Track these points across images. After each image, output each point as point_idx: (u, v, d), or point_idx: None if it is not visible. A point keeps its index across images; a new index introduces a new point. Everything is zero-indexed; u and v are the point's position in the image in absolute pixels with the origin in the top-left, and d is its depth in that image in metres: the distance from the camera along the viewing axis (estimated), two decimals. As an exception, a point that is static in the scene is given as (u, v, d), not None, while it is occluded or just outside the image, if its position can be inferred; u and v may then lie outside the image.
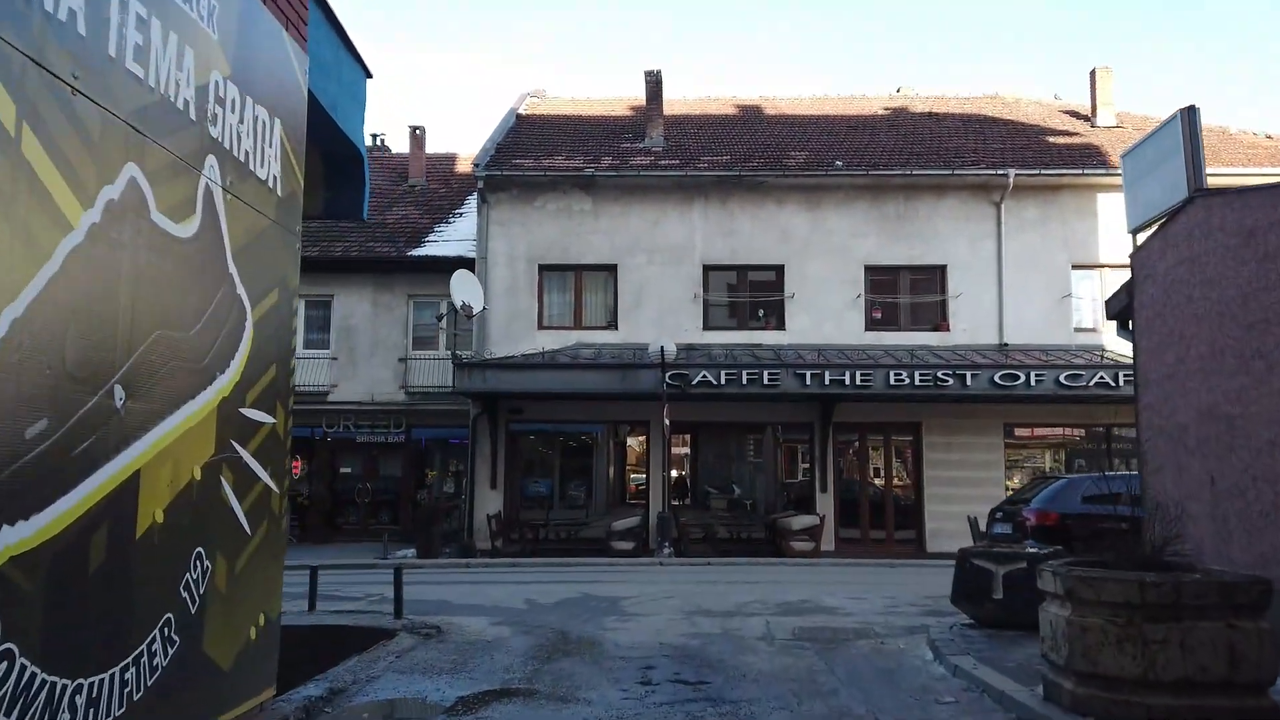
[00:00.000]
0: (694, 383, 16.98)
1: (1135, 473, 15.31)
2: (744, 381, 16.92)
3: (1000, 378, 16.79)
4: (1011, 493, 12.92)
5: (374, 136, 29.03)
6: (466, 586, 12.46)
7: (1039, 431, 20.80)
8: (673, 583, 12.90)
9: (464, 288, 17.56)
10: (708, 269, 19.62)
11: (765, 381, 16.91)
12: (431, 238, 22.88)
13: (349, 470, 22.38)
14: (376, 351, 21.95)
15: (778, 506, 22.95)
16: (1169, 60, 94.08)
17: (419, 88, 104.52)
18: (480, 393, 17.67)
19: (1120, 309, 7.96)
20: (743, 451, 34.87)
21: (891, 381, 16.82)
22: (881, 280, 19.57)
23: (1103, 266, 19.26)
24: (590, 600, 10.81)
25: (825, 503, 18.72)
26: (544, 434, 22.50)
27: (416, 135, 26.29)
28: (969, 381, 16.82)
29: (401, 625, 7.53)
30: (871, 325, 19.31)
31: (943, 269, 19.41)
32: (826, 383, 16.86)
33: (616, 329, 19.29)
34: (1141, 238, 7.93)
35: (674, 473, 33.78)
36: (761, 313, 19.67)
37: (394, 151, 28.48)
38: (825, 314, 19.18)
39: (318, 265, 21.92)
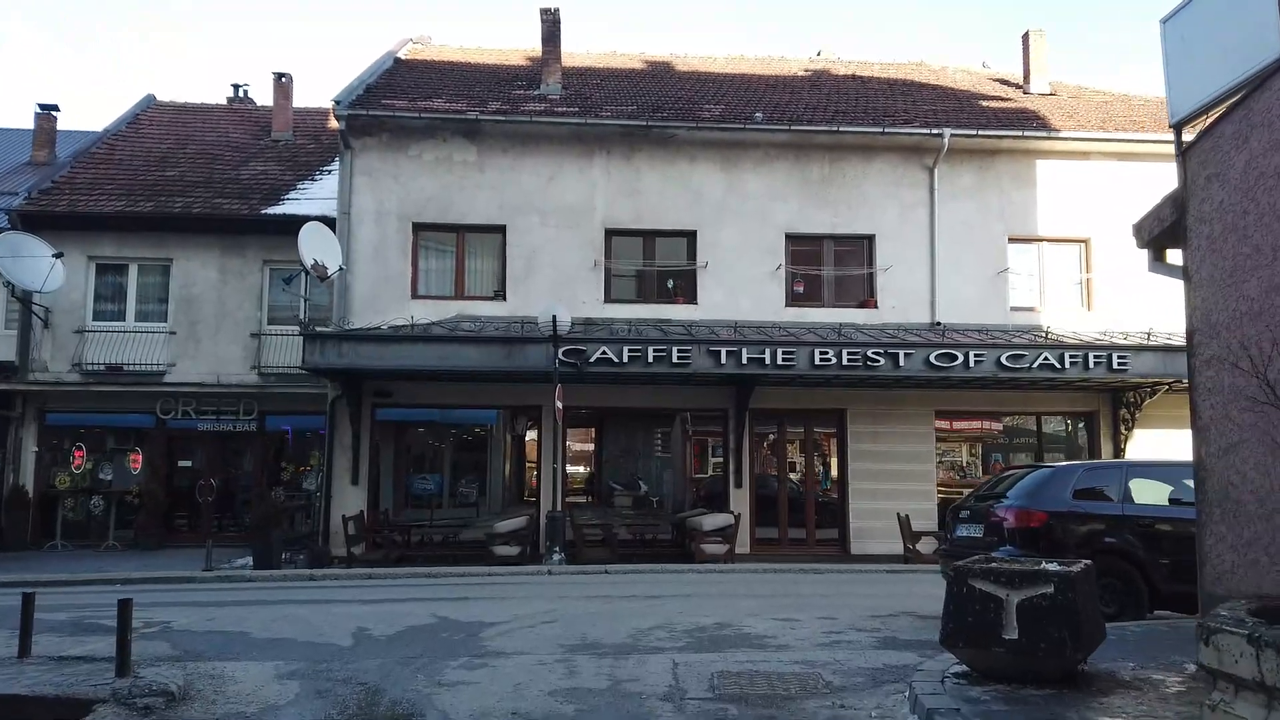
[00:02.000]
0: (592, 360, 14.50)
1: (1124, 460, 13.67)
2: (650, 359, 14.53)
3: (936, 358, 14.85)
4: (979, 486, 10.82)
5: (236, 87, 25.57)
6: (292, 608, 9.69)
7: (957, 425, 19.13)
8: (558, 598, 10.40)
9: (316, 244, 14.65)
10: (610, 233, 17.16)
11: (674, 360, 14.55)
12: (293, 195, 19.74)
13: (190, 464, 19.06)
14: (224, 326, 18.73)
15: (687, 504, 20.80)
16: (1101, 25, 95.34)
17: (291, 37, 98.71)
18: (336, 370, 14.77)
19: (1161, 231, 5.83)
20: (650, 444, 32.71)
21: (816, 361, 14.69)
22: (804, 250, 17.47)
23: (1042, 240, 17.62)
24: (443, 629, 8.22)
25: (740, 500, 16.51)
26: (433, 424, 19.82)
27: (282, 84, 23.01)
28: (902, 361, 14.83)
29: (113, 692, 4.84)
30: (793, 300, 17.18)
31: (870, 239, 17.44)
32: (744, 361, 14.61)
33: (505, 300, 16.65)
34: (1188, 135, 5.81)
35: (577, 468, 31.52)
36: (671, 284, 17.33)
37: (258, 104, 25.08)
38: (742, 287, 16.96)
39: (151, 223, 18.66)
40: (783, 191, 17.34)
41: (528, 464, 37.58)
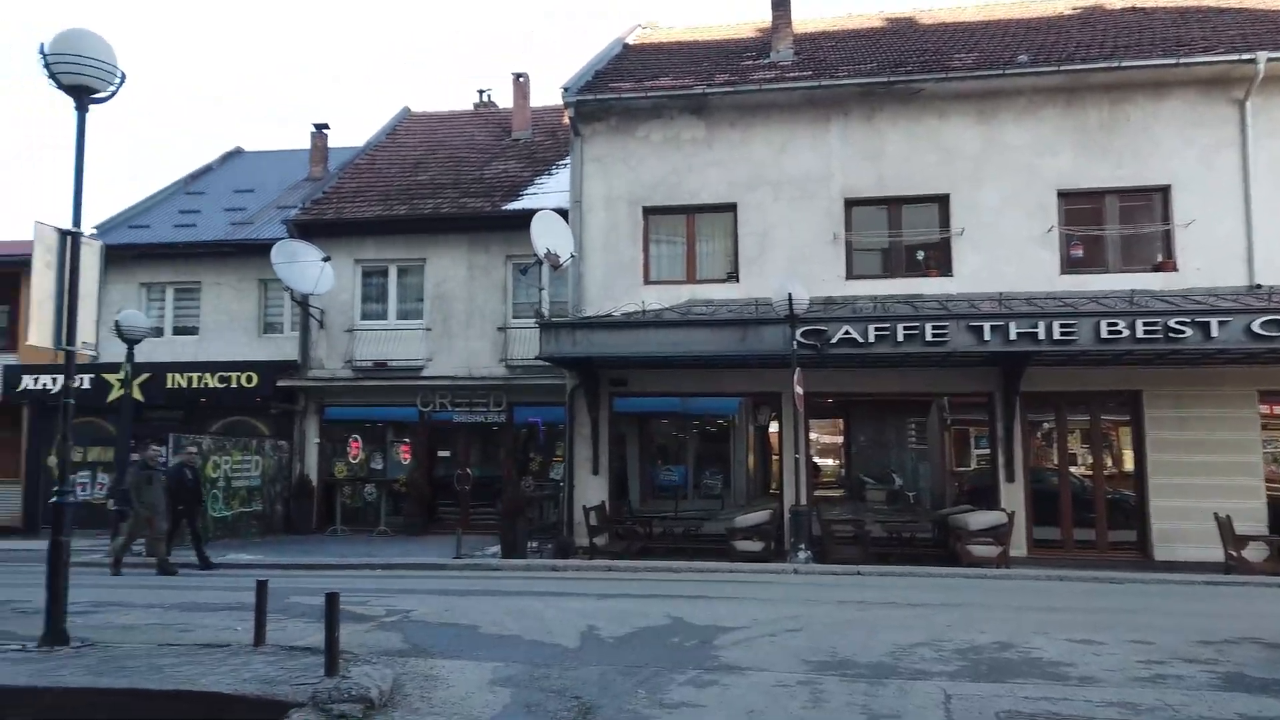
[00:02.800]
0: (833, 341, 13.29)
1: None
2: (899, 338, 13.08)
3: (1262, 325, 12.20)
4: None
5: (480, 92, 26.64)
6: (528, 601, 9.41)
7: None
8: (804, 601, 9.40)
9: (548, 233, 14.56)
10: (850, 204, 15.80)
11: (928, 338, 13.00)
12: (531, 190, 20.07)
13: (448, 454, 19.90)
14: (473, 321, 19.36)
15: (948, 501, 18.99)
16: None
17: (531, 37, 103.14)
18: (570, 359, 14.60)
19: None
20: (903, 435, 30.61)
21: (1103, 334, 12.54)
22: (1081, 209, 15.16)
23: (1400, 174, 14.14)
24: (675, 633, 7.50)
25: (1012, 496, 14.60)
26: (672, 414, 19.52)
27: (520, 84, 23.61)
28: (1215, 331, 12.31)
29: (312, 695, 4.50)
30: (1070, 266, 14.95)
31: (1164, 191, 14.80)
32: (1012, 337, 12.77)
33: (738, 281, 15.80)
34: None
35: (827, 461, 30.10)
36: (921, 255, 15.67)
37: (500, 107, 25.96)
38: (1005, 254, 14.99)
39: (406, 225, 19.64)
40: (1052, 143, 15.13)
41: (772, 456, 36.38)
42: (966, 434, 24.70)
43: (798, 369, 13.19)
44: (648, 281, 16.15)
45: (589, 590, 10.39)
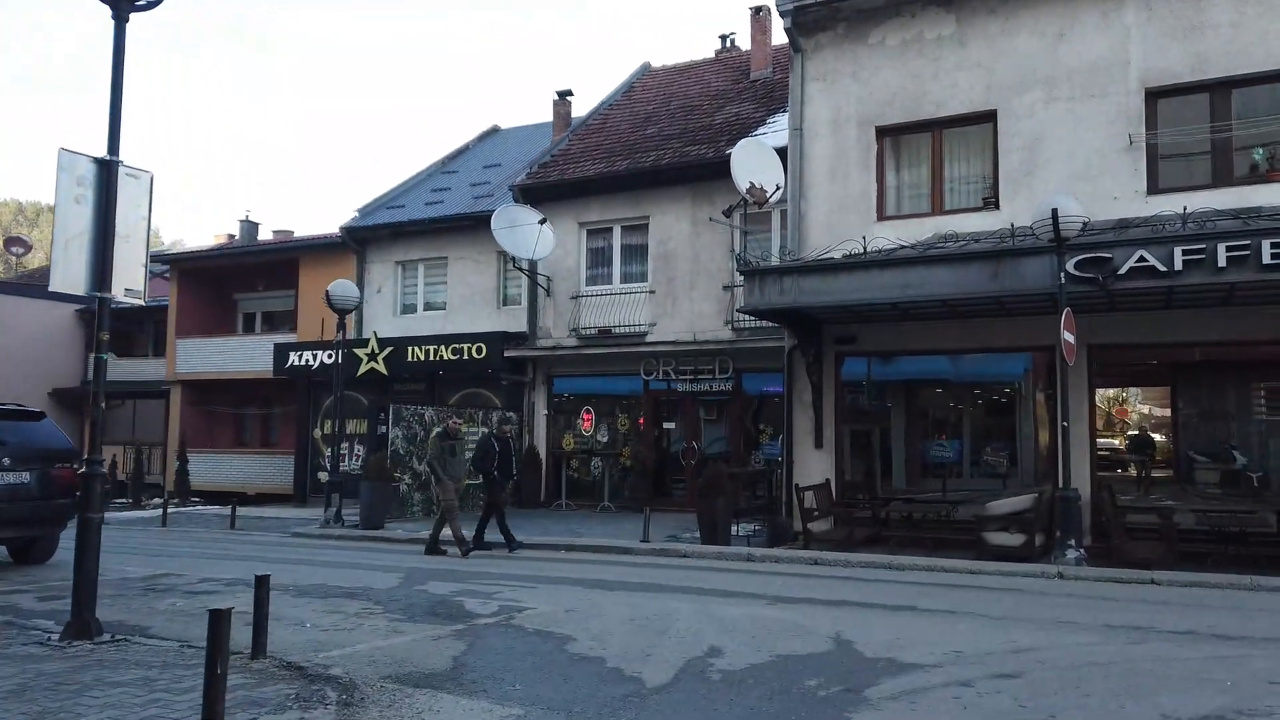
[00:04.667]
0: (1122, 271, 9.95)
1: None
2: (1220, 262, 9.48)
3: None
4: None
5: (722, 38, 24.75)
6: (676, 602, 7.61)
7: None
8: (1052, 625, 6.70)
9: (752, 164, 12.51)
10: (1153, 95, 12.02)
11: (1267, 259, 9.29)
12: (761, 130, 17.91)
13: (672, 425, 18.46)
14: (698, 280, 17.70)
15: (1310, 483, 14.58)
16: None
17: None
18: (779, 310, 12.39)
19: None
20: (1247, 401, 24.67)
21: None
22: None
23: None
24: (824, 669, 5.34)
25: None
26: (946, 382, 16.84)
27: (759, 19, 21.45)
28: None
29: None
30: None
31: None
32: None
33: (997, 209, 12.66)
34: None
35: (1156, 435, 24.97)
36: (1260, 154, 11.56)
37: (743, 50, 23.92)
38: (1398, 140, 10.55)
39: (628, 181, 18.38)
40: None
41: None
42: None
43: (1066, 310, 10.03)
44: (882, 217, 13.46)
45: (766, 590, 8.34)
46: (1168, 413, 23.29)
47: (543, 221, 17.55)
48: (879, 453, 18.33)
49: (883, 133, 13.62)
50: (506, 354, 18.82)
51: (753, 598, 7.84)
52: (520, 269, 18.88)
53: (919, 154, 13.57)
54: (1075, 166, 12.19)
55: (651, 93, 22.97)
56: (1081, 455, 11.80)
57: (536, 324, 19.15)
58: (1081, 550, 9.71)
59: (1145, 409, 36.83)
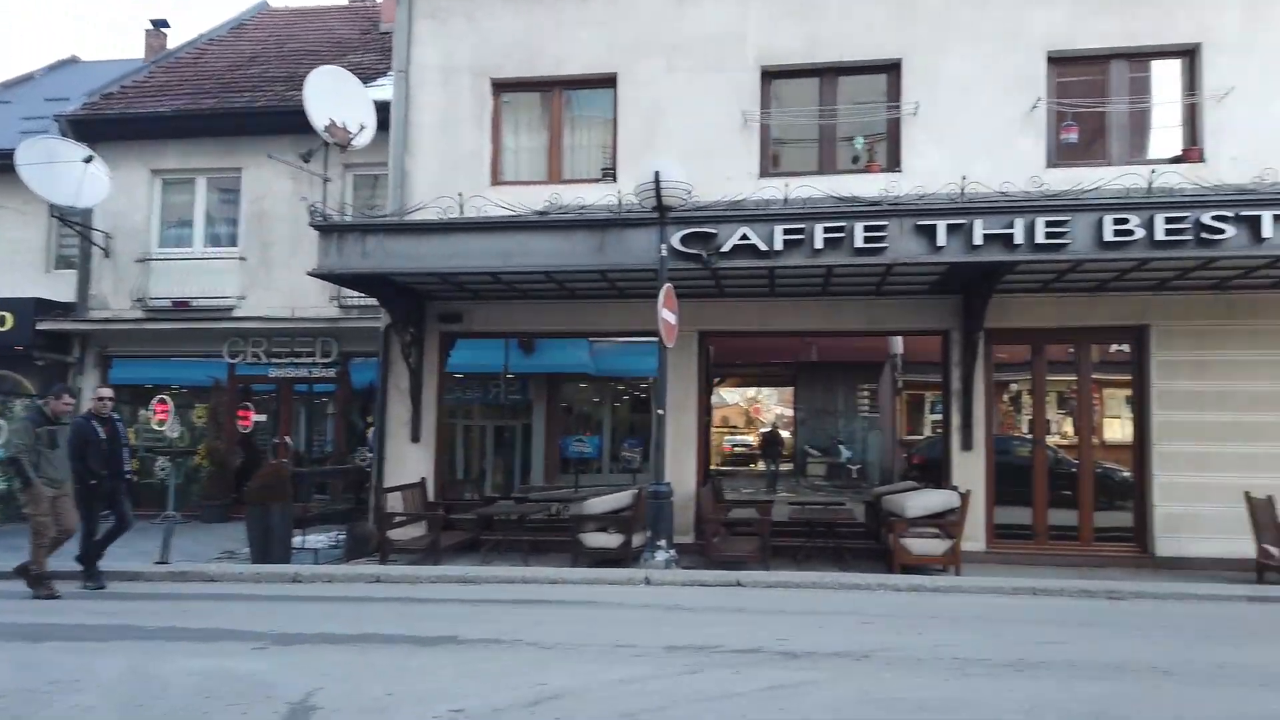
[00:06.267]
0: (726, 249, 9.23)
1: None
2: (817, 243, 9.04)
3: (1337, 222, 8.28)
4: None
5: (360, -13, 22.11)
6: (128, 654, 5.37)
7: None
8: (606, 655, 5.48)
9: (333, 96, 10.39)
10: (769, 75, 11.68)
11: (859, 243, 8.98)
12: (382, 81, 15.70)
13: (263, 418, 15.66)
14: (301, 247, 15.05)
15: (895, 476, 15.33)
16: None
17: None
18: (363, 276, 10.38)
19: None
20: (853, 399, 26.71)
21: (1109, 236, 8.56)
22: (1075, 80, 11.13)
23: None
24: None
25: (969, 468, 10.69)
26: (588, 375, 16.02)
27: (392, -34, 19.15)
28: (1267, 230, 8.39)
29: None
30: (1061, 157, 10.95)
31: (1191, 53, 10.81)
32: (976, 241, 8.77)
33: (615, 180, 11.66)
34: None
35: (776, 431, 26.19)
36: (860, 143, 11.60)
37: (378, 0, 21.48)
38: (975, 142, 10.94)
39: (217, 125, 15.35)
40: (1040, -11, 11.08)
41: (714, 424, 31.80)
42: (922, 398, 20.82)
43: (666, 286, 9.12)
44: (498, 181, 11.98)
45: (272, 626, 6.33)
46: (793, 411, 24.34)
47: (89, 159, 13.99)
48: (519, 449, 17.10)
49: (500, 87, 12.15)
50: (40, 327, 14.88)
51: (241, 640, 5.81)
52: (67, 222, 15.05)
53: (539, 115, 12.26)
54: (694, 142, 11.51)
55: (265, 33, 19.82)
56: (687, 448, 11.11)
57: (88, 291, 15.40)
58: (673, 551, 8.80)
59: (780, 409, 39.28)
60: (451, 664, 5.23)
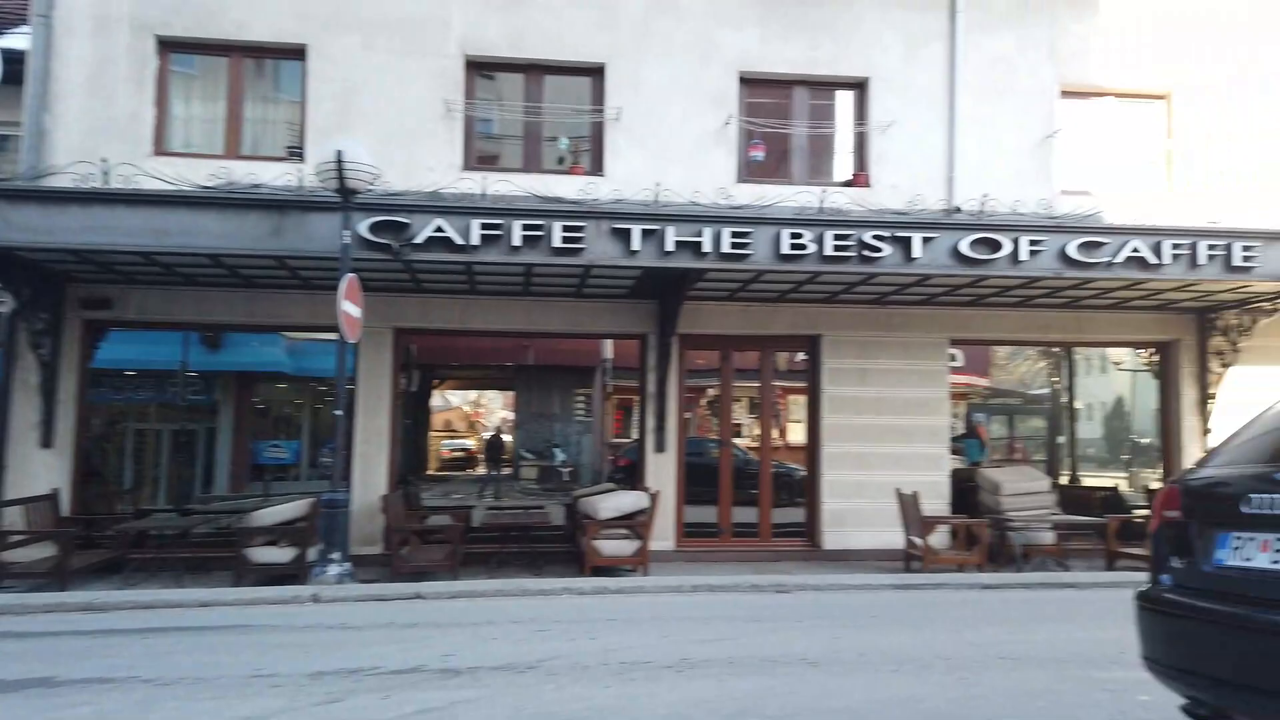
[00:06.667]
0: (419, 240, 8.70)
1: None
2: (515, 240, 8.78)
3: (971, 245, 9.35)
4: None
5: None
6: None
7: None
8: (260, 691, 4.75)
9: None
10: (474, 66, 11.30)
11: (557, 243, 8.82)
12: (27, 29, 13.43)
13: None
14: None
15: (605, 477, 15.50)
16: None
17: None
18: (-26, 250, 8.70)
19: None
20: (570, 403, 27.02)
21: (785, 249, 9.08)
22: (765, 102, 11.81)
23: (1106, 94, 12.18)
24: None
25: (662, 470, 10.95)
26: (286, 375, 14.77)
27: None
28: (917, 251, 9.29)
29: None
30: (750, 173, 11.55)
31: (862, 86, 11.85)
32: (668, 247, 8.95)
33: (303, 161, 10.69)
34: None
35: (499, 436, 25.80)
36: (565, 144, 11.55)
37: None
38: (672, 151, 11.26)
39: None
40: (735, 12, 11.62)
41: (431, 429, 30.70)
42: (631, 401, 21.40)
43: (349, 276, 8.45)
44: (162, 151, 10.57)
45: None
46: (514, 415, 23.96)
47: None
48: (203, 454, 15.36)
49: (167, 46, 10.75)
50: None
51: None
52: None
53: (216, 82, 10.99)
54: (392, 128, 10.86)
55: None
56: (378, 453, 10.43)
57: None
58: (348, 565, 8.13)
59: (506, 413, 38.70)
60: (32, 714, 4.32)
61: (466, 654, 5.51)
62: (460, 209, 8.90)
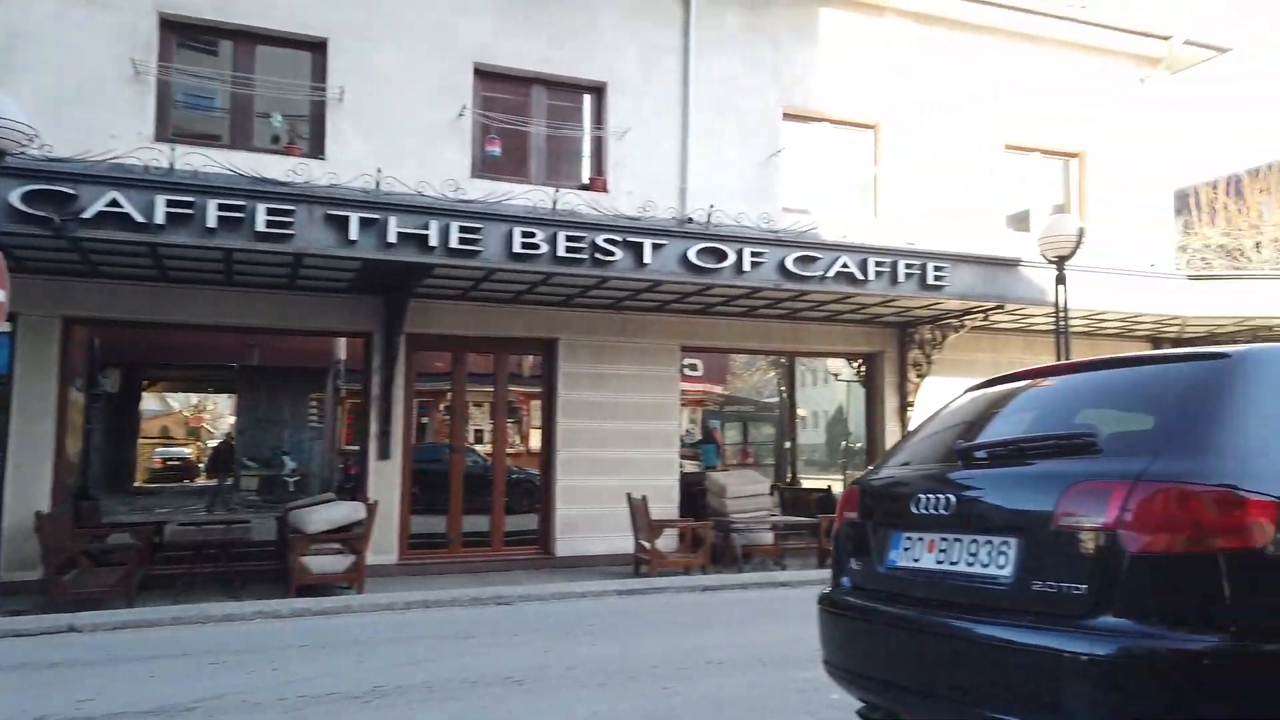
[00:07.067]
0: (89, 215, 7.47)
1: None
2: (211, 223, 7.77)
3: (698, 254, 9.52)
4: (971, 438, 4.42)
5: None
6: None
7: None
8: None
9: None
10: (169, 24, 10.04)
11: (261, 226, 7.92)
12: None
13: None
14: None
15: (334, 486, 14.59)
16: None
17: None
18: None
19: None
20: (303, 408, 25.17)
21: (517, 247, 8.74)
22: (502, 97, 11.46)
23: (824, 120, 12.97)
24: None
25: (386, 478, 10.23)
26: None
27: None
28: (648, 257, 9.31)
29: None
30: (485, 169, 11.12)
31: (600, 91, 11.82)
32: (391, 239, 8.32)
33: (-54, 116, 8.93)
34: None
35: (230, 443, 23.41)
36: (280, 122, 10.54)
37: None
38: (402, 140, 10.60)
39: None
40: (473, 2, 11.19)
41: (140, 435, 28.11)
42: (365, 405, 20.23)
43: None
44: None
45: None
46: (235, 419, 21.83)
47: None
48: None
49: None
50: None
51: None
52: None
53: None
54: (67, 86, 9.39)
55: None
56: (40, 462, 8.92)
57: None
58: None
59: (233, 418, 35.28)
60: None
61: (111, 698, 4.65)
62: (142, 182, 7.76)
